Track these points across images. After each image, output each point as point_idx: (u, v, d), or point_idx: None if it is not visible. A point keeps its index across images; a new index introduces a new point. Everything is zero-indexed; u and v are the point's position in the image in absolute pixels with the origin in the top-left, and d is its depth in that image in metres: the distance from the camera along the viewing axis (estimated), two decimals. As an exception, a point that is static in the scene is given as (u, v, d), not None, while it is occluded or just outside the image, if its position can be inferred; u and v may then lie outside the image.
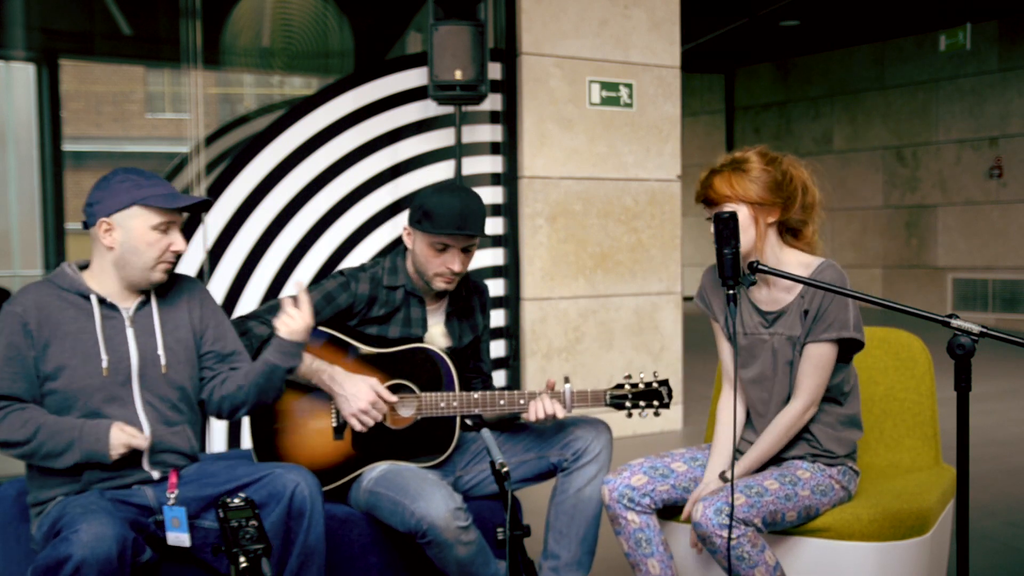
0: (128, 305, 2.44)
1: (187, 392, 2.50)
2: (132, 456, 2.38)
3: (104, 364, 2.37)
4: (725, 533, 2.25)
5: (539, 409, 2.64)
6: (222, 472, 2.45)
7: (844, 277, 2.43)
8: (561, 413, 2.66)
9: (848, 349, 2.49)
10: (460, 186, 2.81)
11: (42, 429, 2.29)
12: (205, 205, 2.47)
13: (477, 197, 2.78)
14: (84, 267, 2.48)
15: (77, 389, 2.35)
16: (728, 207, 2.42)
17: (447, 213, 2.68)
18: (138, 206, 2.37)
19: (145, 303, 2.47)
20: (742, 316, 2.55)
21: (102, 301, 2.41)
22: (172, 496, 2.34)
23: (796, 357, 2.47)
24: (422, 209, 2.73)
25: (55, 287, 2.40)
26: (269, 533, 2.26)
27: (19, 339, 2.33)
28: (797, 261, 2.49)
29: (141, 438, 2.32)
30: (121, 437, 2.30)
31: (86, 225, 2.43)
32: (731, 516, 2.26)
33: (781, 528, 2.42)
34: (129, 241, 2.38)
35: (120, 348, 2.40)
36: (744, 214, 2.41)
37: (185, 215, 2.49)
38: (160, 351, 2.44)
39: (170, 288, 2.53)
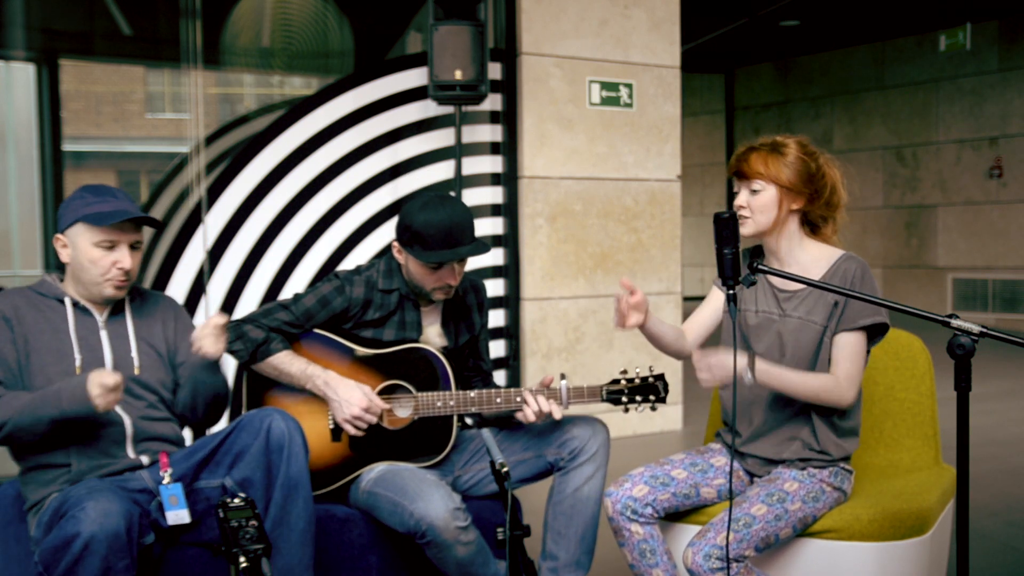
0: (101, 312, 2.51)
1: (163, 396, 2.55)
2: (117, 442, 2.43)
3: (77, 363, 2.41)
4: None
5: (534, 407, 2.63)
6: (209, 438, 2.50)
7: (866, 267, 2.48)
8: (557, 412, 2.65)
9: (872, 336, 2.50)
10: (443, 197, 2.75)
11: (32, 398, 2.31)
12: (149, 222, 2.49)
13: (462, 206, 2.75)
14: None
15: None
16: (757, 184, 2.48)
17: (436, 234, 2.65)
18: (81, 223, 2.42)
19: (118, 311, 2.53)
20: (756, 296, 2.58)
21: (75, 304, 2.47)
22: (166, 474, 2.38)
23: (817, 342, 2.47)
24: (409, 231, 2.69)
25: (34, 292, 2.48)
26: (251, 468, 2.35)
27: (2, 332, 2.39)
28: (817, 253, 2.53)
29: (112, 375, 2.25)
30: (95, 379, 2.24)
31: None
32: (730, 529, 2.26)
33: (778, 545, 2.42)
34: (77, 257, 2.44)
35: (95, 348, 2.46)
36: (771, 194, 2.47)
37: (141, 232, 2.49)
38: (134, 353, 2.50)
39: (144, 303, 2.60)
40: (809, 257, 2.53)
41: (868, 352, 2.53)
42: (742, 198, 2.51)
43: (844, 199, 2.57)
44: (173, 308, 2.65)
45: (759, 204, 2.48)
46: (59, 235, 2.46)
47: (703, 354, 2.42)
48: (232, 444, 2.42)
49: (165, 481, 2.37)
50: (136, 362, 2.49)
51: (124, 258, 2.44)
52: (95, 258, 2.42)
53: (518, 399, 2.66)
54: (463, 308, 2.91)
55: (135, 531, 2.17)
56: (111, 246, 2.43)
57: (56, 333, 2.43)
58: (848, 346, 2.45)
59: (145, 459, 2.46)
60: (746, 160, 2.50)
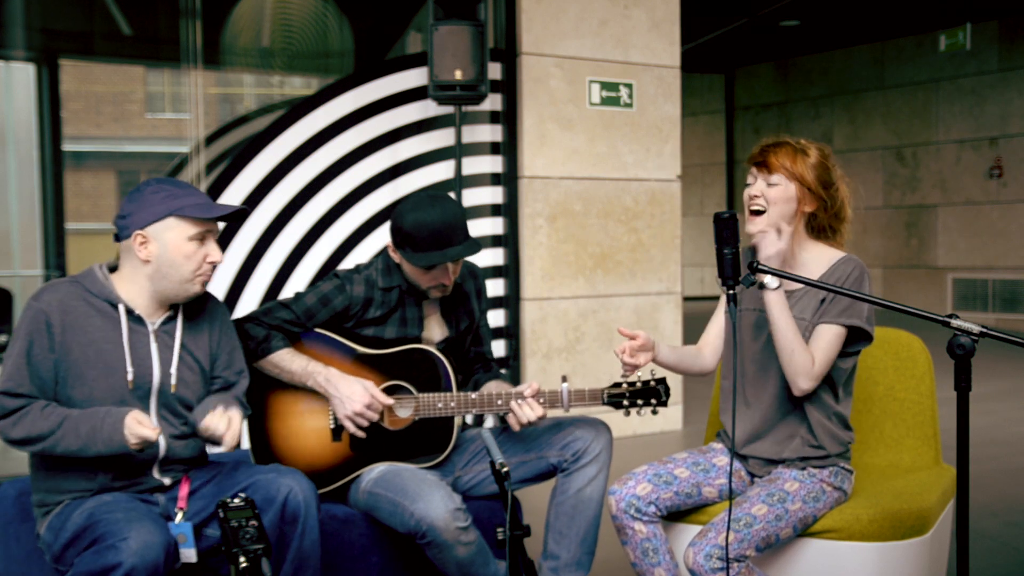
0: (154, 319, 2.40)
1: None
2: (143, 464, 2.38)
3: (130, 377, 2.33)
4: None
5: (521, 417, 2.63)
6: (225, 479, 2.44)
7: (863, 270, 2.48)
8: (535, 416, 2.64)
9: (856, 340, 2.50)
10: (434, 196, 2.73)
11: (66, 421, 2.24)
12: (242, 213, 2.42)
13: (453, 205, 2.73)
14: (113, 269, 2.41)
15: (97, 400, 2.30)
16: (776, 178, 2.48)
17: (428, 236, 2.64)
18: (174, 217, 2.31)
19: (171, 318, 2.43)
20: (758, 295, 2.57)
21: (129, 312, 2.35)
22: (180, 512, 2.35)
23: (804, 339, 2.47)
24: (400, 232, 2.69)
25: (83, 290, 2.34)
26: None
27: (40, 337, 2.27)
28: (818, 253, 2.54)
29: (151, 430, 2.22)
30: (134, 428, 2.21)
31: (117, 237, 2.37)
32: (728, 541, 2.26)
33: (779, 545, 2.42)
34: (166, 254, 2.32)
35: (144, 362, 2.36)
36: (792, 190, 2.48)
37: (221, 226, 2.44)
38: (173, 369, 2.40)
39: (196, 306, 2.48)
40: (810, 257, 2.53)
41: (857, 357, 2.52)
42: (757, 187, 2.50)
43: (850, 216, 2.59)
44: (222, 315, 2.54)
45: (774, 197, 2.48)
46: (140, 232, 2.31)
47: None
48: None
49: (178, 519, 2.34)
50: (173, 379, 2.39)
51: (215, 251, 2.36)
52: (189, 252, 2.32)
53: (518, 400, 2.67)
54: (462, 295, 2.91)
55: (171, 560, 2.17)
56: (202, 239, 2.34)
57: (106, 344, 2.31)
58: (822, 338, 2.44)
59: (167, 480, 2.42)
60: (775, 152, 2.50)
